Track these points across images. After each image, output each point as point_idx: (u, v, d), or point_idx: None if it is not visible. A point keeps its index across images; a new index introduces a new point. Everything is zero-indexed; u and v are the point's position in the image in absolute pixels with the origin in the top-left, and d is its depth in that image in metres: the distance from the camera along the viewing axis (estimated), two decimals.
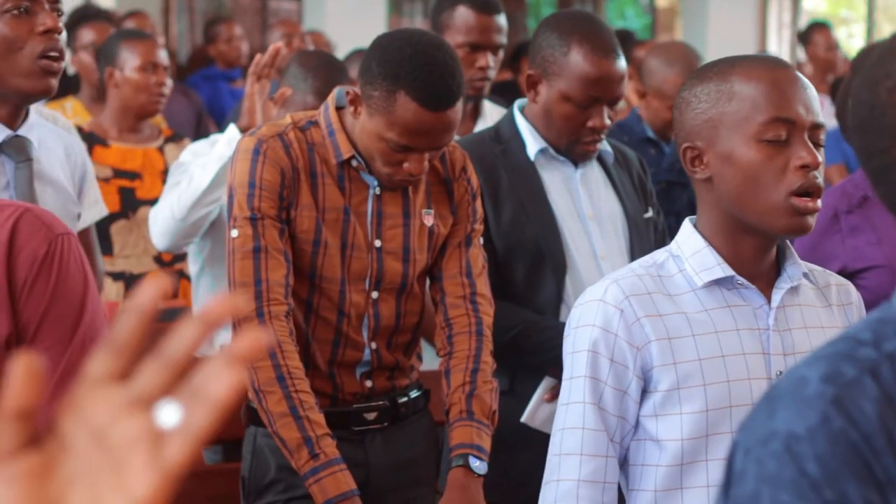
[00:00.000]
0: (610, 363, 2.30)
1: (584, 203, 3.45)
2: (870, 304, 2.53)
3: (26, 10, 2.85)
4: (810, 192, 2.25)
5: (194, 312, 0.93)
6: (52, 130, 3.12)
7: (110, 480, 0.91)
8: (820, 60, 9.31)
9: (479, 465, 2.92)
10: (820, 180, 2.26)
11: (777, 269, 2.38)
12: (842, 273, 3.31)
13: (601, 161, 3.53)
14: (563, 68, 3.35)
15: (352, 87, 2.97)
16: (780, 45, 12.64)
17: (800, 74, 2.31)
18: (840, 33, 13.30)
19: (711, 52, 11.17)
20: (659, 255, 2.41)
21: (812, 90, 2.31)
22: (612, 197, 3.51)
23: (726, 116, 2.28)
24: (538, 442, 3.29)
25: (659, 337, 2.29)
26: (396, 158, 2.89)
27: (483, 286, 3.12)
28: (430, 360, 3.50)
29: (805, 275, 2.38)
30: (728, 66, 2.33)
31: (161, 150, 5.01)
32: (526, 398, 3.31)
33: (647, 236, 3.52)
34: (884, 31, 13.02)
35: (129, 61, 4.92)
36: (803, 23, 11.65)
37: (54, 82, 2.90)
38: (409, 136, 2.85)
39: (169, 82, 5.06)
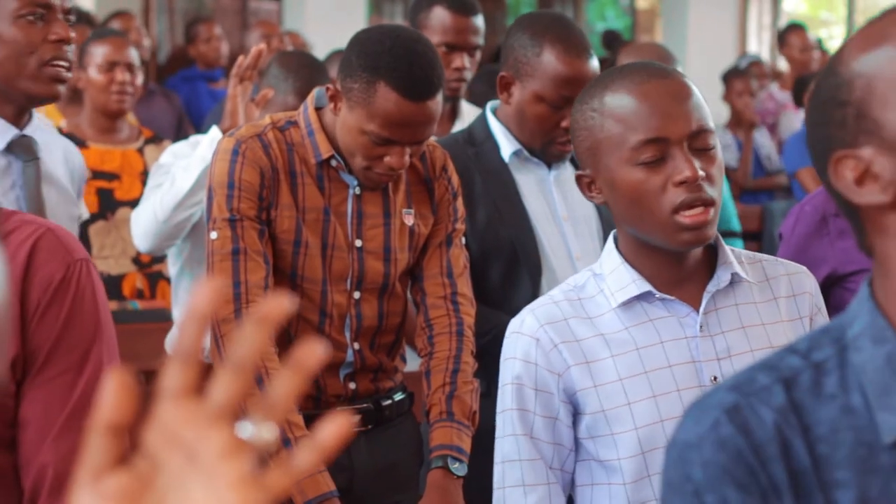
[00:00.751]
0: (535, 392, 2.28)
1: (558, 204, 3.45)
2: None
3: (41, 17, 2.90)
4: (696, 204, 2.19)
5: (250, 315, 0.95)
6: (51, 133, 3.14)
7: (204, 494, 0.92)
8: (796, 62, 9.35)
9: (458, 467, 2.92)
10: (707, 191, 2.19)
11: (711, 271, 2.32)
12: (831, 276, 3.30)
13: (574, 162, 3.53)
14: (536, 69, 3.35)
15: (330, 84, 2.97)
16: (759, 47, 12.67)
17: (677, 80, 2.24)
18: (820, 35, 13.34)
19: (692, 53, 11.23)
20: (581, 276, 2.38)
21: (692, 96, 2.23)
22: (585, 199, 3.51)
23: (602, 144, 2.24)
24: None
25: (577, 362, 2.26)
26: (377, 153, 2.88)
27: (464, 286, 3.12)
28: (412, 362, 3.50)
29: (734, 274, 2.30)
30: (601, 88, 2.26)
31: (140, 151, 5.01)
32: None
33: None
34: None
35: (93, 61, 4.92)
36: (783, 24, 11.68)
37: (61, 89, 2.94)
38: (390, 127, 2.84)
39: (139, 81, 5.04)
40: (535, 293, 3.33)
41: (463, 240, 3.18)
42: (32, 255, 1.97)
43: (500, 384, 2.35)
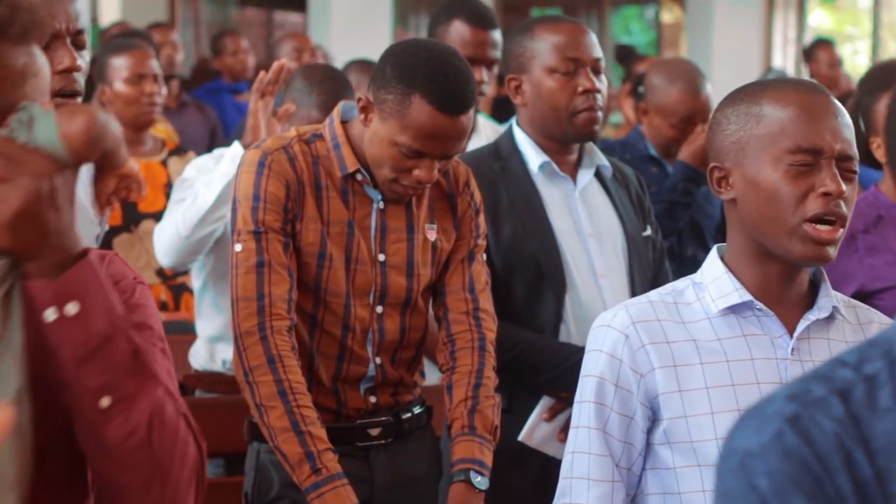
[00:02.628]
0: (615, 388, 2.29)
1: (583, 220, 3.44)
2: None
3: (46, 46, 2.74)
4: (829, 220, 2.22)
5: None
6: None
7: None
8: (823, 77, 9.32)
9: (480, 481, 2.92)
10: (843, 209, 2.23)
11: (811, 301, 2.34)
12: (859, 293, 3.29)
13: (599, 177, 3.53)
14: (537, 50, 3.42)
15: (363, 94, 2.97)
16: (784, 61, 12.64)
17: (835, 102, 2.28)
18: (845, 50, 13.31)
19: (716, 68, 11.20)
20: (681, 283, 2.40)
21: (845, 118, 2.27)
22: (611, 214, 3.50)
23: (754, 139, 2.27)
24: (534, 461, 3.29)
25: (664, 364, 2.26)
26: (407, 165, 2.88)
27: (486, 302, 3.12)
28: (430, 376, 3.49)
29: (836, 308, 2.33)
30: (761, 89, 2.31)
31: (164, 163, 5.01)
32: (524, 417, 3.30)
33: (645, 254, 3.51)
34: (889, 48, 13.01)
35: (117, 75, 4.92)
36: (808, 39, 11.66)
37: None
38: (423, 140, 2.85)
39: (164, 91, 5.05)
40: (559, 310, 3.33)
41: (485, 256, 3.18)
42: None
43: (581, 374, 2.36)
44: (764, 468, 1.32)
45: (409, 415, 3.15)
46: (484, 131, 4.42)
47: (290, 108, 3.87)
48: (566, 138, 3.44)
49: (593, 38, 3.49)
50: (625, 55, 10.87)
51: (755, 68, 11.66)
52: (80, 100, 2.89)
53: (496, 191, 3.40)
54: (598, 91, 3.40)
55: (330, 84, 4.00)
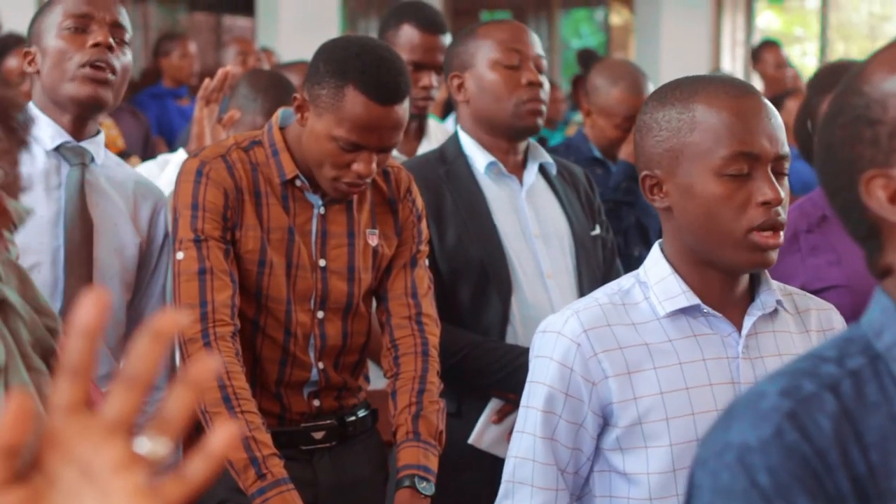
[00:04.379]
0: (565, 397, 2.24)
1: (530, 221, 3.44)
2: None
3: (83, 28, 3.02)
4: (772, 227, 2.19)
5: (143, 329, 0.95)
6: (124, 170, 3.20)
7: None
8: (769, 78, 9.37)
9: (426, 486, 2.92)
10: (782, 216, 2.19)
11: (751, 296, 2.32)
12: None
13: (546, 176, 3.54)
14: (480, 46, 3.44)
15: (298, 93, 2.98)
16: (733, 63, 12.70)
17: (766, 102, 2.24)
18: (794, 51, 13.38)
19: (665, 70, 11.24)
20: (626, 280, 2.35)
21: (777, 119, 2.24)
22: (558, 214, 3.51)
23: (687, 148, 2.21)
24: (485, 463, 3.30)
25: (617, 372, 2.22)
26: (345, 160, 2.89)
27: (429, 306, 3.12)
28: (375, 379, 3.50)
29: (779, 302, 2.31)
30: (691, 92, 2.24)
31: None
32: (473, 420, 3.31)
33: (594, 254, 3.52)
34: (837, 49, 13.10)
35: None
36: (757, 40, 11.71)
37: (100, 91, 3.01)
38: (359, 131, 2.86)
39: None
40: (505, 312, 3.33)
41: (427, 261, 3.19)
42: None
43: (529, 380, 2.31)
44: (765, 464, 1.31)
45: (353, 418, 3.16)
46: (435, 135, 4.41)
47: (235, 115, 3.86)
48: (509, 131, 3.44)
49: (535, 37, 3.51)
50: (586, 58, 10.91)
51: (703, 70, 11.71)
52: (111, 76, 3.01)
53: (441, 195, 3.40)
54: (541, 85, 3.41)
55: (275, 90, 4.00)
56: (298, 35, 10.28)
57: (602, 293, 2.33)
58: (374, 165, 2.90)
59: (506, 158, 3.47)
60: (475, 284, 3.36)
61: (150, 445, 0.94)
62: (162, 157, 4.10)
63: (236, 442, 0.94)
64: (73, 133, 3.06)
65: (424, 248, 3.17)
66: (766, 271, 2.33)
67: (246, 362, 2.97)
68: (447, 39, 4.27)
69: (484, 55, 3.43)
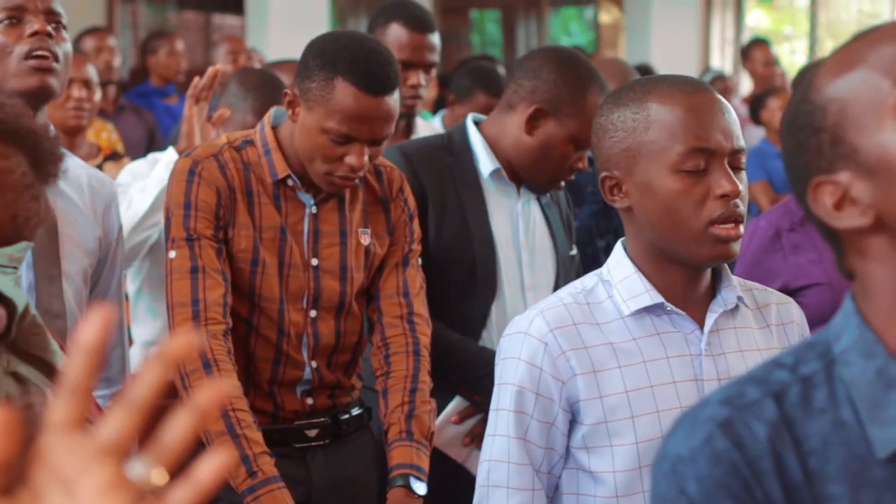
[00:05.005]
0: (536, 397, 2.25)
1: (521, 232, 3.45)
2: (811, 322, 2.52)
3: (18, 19, 2.94)
4: (731, 219, 2.20)
5: (154, 353, 0.93)
6: (77, 164, 3.14)
7: None
8: (758, 76, 9.39)
9: (419, 486, 2.92)
10: (741, 208, 2.21)
11: (713, 293, 2.33)
12: (783, 290, 3.33)
13: (537, 198, 3.54)
14: (580, 108, 3.32)
15: (288, 89, 2.98)
16: (722, 61, 12.71)
17: (719, 98, 2.26)
18: (783, 50, 13.40)
19: (655, 68, 11.24)
20: (589, 279, 2.36)
21: (731, 114, 2.24)
22: (544, 233, 3.51)
23: (643, 146, 2.23)
24: (449, 461, 3.30)
25: (584, 370, 2.23)
26: (337, 153, 2.89)
27: (420, 306, 3.13)
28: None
29: (740, 298, 2.32)
30: (644, 92, 2.26)
31: (99, 168, 4.99)
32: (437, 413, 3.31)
33: (571, 273, 3.53)
34: (826, 48, 13.11)
35: None
36: (746, 39, 11.73)
37: (48, 79, 2.94)
38: (350, 123, 2.86)
39: (97, 97, 5.02)
40: (484, 316, 3.34)
41: (419, 260, 3.19)
42: None
43: (497, 382, 2.32)
44: (693, 473, 1.33)
45: (346, 416, 3.16)
46: (423, 133, 4.41)
47: (224, 114, 3.86)
48: (528, 184, 3.44)
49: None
50: None
51: (693, 68, 11.73)
52: (55, 64, 2.95)
53: (445, 185, 3.40)
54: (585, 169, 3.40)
55: (265, 89, 3.99)
56: (288, 33, 10.27)
57: (566, 293, 2.34)
58: (366, 158, 2.90)
59: (508, 166, 3.46)
60: (462, 282, 3.36)
61: (143, 472, 0.93)
62: (151, 156, 4.09)
63: (229, 471, 0.92)
64: None
65: (416, 247, 3.18)
66: (727, 268, 2.35)
67: (239, 361, 2.97)
68: (436, 38, 4.27)
69: (574, 123, 3.32)
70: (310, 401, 3.09)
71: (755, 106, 8.18)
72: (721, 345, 2.30)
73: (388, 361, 3.07)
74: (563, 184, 3.43)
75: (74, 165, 3.10)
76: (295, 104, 2.94)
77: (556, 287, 3.45)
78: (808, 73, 1.49)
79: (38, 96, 2.96)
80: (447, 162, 3.43)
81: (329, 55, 2.89)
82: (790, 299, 2.47)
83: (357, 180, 2.97)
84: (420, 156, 3.37)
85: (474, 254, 3.36)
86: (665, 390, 2.25)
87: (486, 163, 3.43)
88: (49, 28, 2.94)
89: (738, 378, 1.41)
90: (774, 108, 7.65)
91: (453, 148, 3.47)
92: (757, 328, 2.36)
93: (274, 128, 3.05)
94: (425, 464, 2.97)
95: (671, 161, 2.20)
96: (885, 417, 1.34)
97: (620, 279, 2.30)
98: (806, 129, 1.42)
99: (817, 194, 1.41)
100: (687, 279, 2.29)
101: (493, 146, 3.43)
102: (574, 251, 3.60)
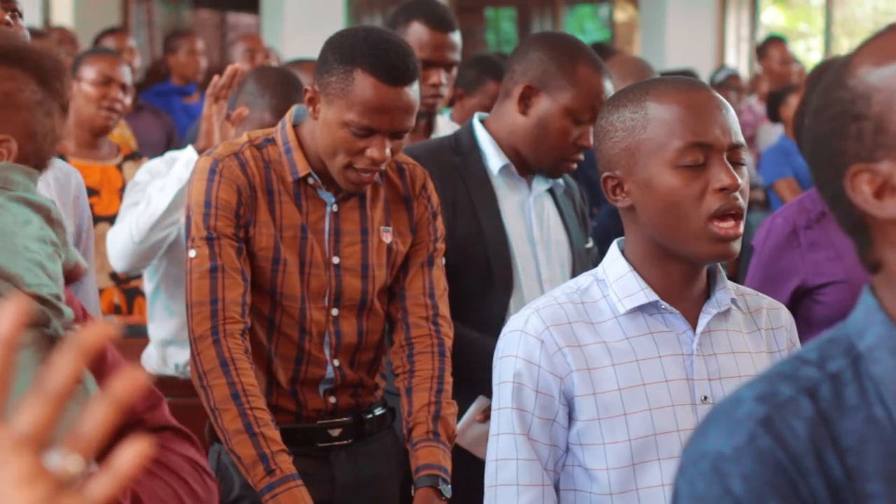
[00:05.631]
0: (535, 394, 2.27)
1: (534, 226, 3.45)
2: (829, 320, 2.52)
3: None
4: (731, 213, 2.22)
5: (68, 344, 0.93)
6: None
7: None
8: (775, 74, 9.35)
9: (447, 489, 2.92)
10: (741, 202, 2.23)
11: (707, 294, 2.35)
12: (801, 288, 3.32)
13: (551, 191, 3.54)
14: (572, 81, 3.33)
15: (308, 86, 2.97)
16: (738, 59, 12.69)
17: (717, 94, 2.28)
18: (798, 47, 13.37)
19: (670, 66, 11.23)
20: (584, 279, 2.38)
21: (729, 110, 2.27)
22: (559, 226, 3.51)
23: (643, 144, 2.25)
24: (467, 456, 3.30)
25: (579, 367, 2.26)
26: (359, 146, 2.88)
27: (444, 308, 3.13)
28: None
29: (734, 300, 2.34)
30: (642, 92, 2.29)
31: (120, 167, 5.00)
32: (459, 416, 3.30)
33: (587, 266, 3.52)
34: (841, 45, 13.08)
35: (87, 75, 4.94)
36: (761, 36, 11.70)
37: None
38: (371, 114, 2.85)
39: (128, 101, 5.05)
40: (502, 312, 3.33)
41: (443, 260, 3.18)
42: None
43: (496, 381, 2.34)
44: (738, 471, 1.31)
45: (370, 416, 3.15)
46: (443, 132, 4.40)
47: (243, 112, 3.86)
48: (537, 169, 3.44)
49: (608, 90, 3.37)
50: (599, 52, 10.88)
51: (708, 66, 11.71)
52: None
53: (455, 184, 3.40)
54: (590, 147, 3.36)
55: (282, 87, 3.99)
56: (303, 32, 10.28)
57: (560, 292, 2.36)
58: (387, 151, 2.89)
59: (518, 161, 3.46)
60: (479, 280, 3.36)
61: (61, 461, 0.92)
62: (169, 155, 4.09)
63: (145, 461, 0.92)
64: None
65: (441, 245, 3.17)
66: (722, 269, 2.37)
67: (261, 360, 2.98)
68: (457, 37, 4.25)
69: (567, 95, 3.33)
70: (333, 400, 3.08)
71: (775, 102, 8.16)
72: (712, 345, 2.32)
73: (412, 361, 3.07)
74: (574, 166, 3.41)
75: None
76: (315, 101, 2.94)
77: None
78: (827, 68, 1.49)
79: None
80: (455, 162, 3.44)
81: (348, 49, 2.89)
82: (781, 305, 2.49)
83: (377, 175, 2.98)
84: (427, 158, 3.37)
85: (488, 251, 3.36)
86: (657, 388, 2.27)
87: (494, 160, 3.44)
88: (6, 17, 2.87)
89: (763, 374, 1.40)
90: (795, 105, 7.63)
91: (461, 148, 3.47)
92: (747, 332, 2.39)
93: (295, 126, 3.04)
94: (450, 466, 2.97)
95: (670, 157, 2.23)
96: None
97: (616, 278, 2.33)
98: (844, 115, 1.41)
99: (856, 182, 1.40)
100: (684, 278, 2.31)
101: (500, 141, 3.44)
102: (590, 244, 3.60)
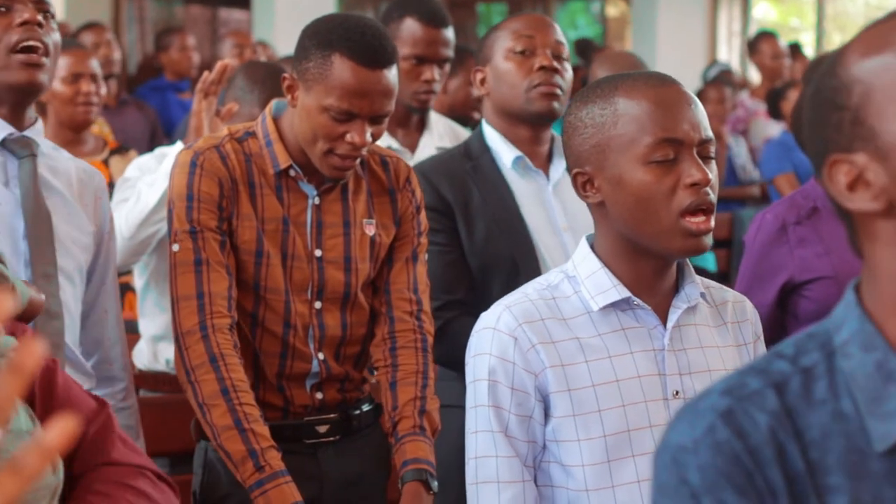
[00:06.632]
0: (511, 391, 2.27)
1: (557, 214, 3.45)
2: (816, 315, 2.53)
3: (7, 8, 2.90)
4: (702, 208, 2.22)
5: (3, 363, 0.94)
6: (63, 157, 3.11)
7: None
8: (766, 69, 9.36)
9: (434, 483, 2.92)
10: (712, 197, 2.23)
11: (676, 289, 2.36)
12: (789, 284, 3.33)
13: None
14: (498, 37, 3.50)
15: (287, 74, 2.98)
16: (729, 54, 12.70)
17: (686, 91, 2.29)
18: (790, 42, 13.38)
19: (662, 61, 11.26)
20: (554, 276, 2.39)
21: (698, 105, 2.27)
22: (584, 208, 3.52)
23: (613, 140, 2.25)
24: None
25: (553, 364, 2.26)
26: (339, 131, 2.88)
27: (427, 303, 3.13)
28: None
29: (702, 294, 2.35)
30: (611, 88, 2.29)
31: (106, 162, 5.00)
32: None
33: None
34: (833, 40, 13.10)
35: (56, 74, 4.91)
36: (753, 31, 11.71)
37: (37, 75, 2.91)
38: (350, 98, 2.85)
39: (103, 91, 5.03)
40: None
41: (426, 256, 3.19)
42: None
43: (470, 379, 2.33)
44: (695, 463, 1.34)
45: (357, 412, 3.15)
46: (436, 128, 4.41)
47: (233, 108, 3.86)
48: (525, 117, 3.47)
49: (555, 26, 3.54)
50: (584, 48, 10.90)
51: (700, 61, 11.72)
52: (45, 59, 2.92)
53: (468, 190, 3.41)
54: (556, 70, 3.43)
55: (271, 82, 3.99)
56: (294, 27, 10.19)
57: (531, 288, 2.37)
58: (367, 136, 2.89)
59: (531, 151, 3.49)
60: (507, 279, 3.35)
61: None
62: (159, 151, 4.09)
63: (71, 437, 0.93)
64: (14, 123, 2.96)
65: (424, 240, 3.17)
66: (690, 264, 2.38)
67: (247, 356, 2.97)
68: (450, 33, 4.26)
69: (500, 46, 3.48)
70: (319, 395, 3.07)
71: (775, 98, 8.17)
72: (682, 340, 2.33)
73: (395, 355, 3.06)
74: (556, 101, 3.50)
75: (63, 159, 3.09)
76: (294, 88, 2.94)
77: None
78: (821, 64, 1.49)
79: (27, 91, 2.94)
80: (465, 168, 3.46)
81: (325, 34, 2.90)
82: (745, 298, 2.51)
83: (359, 166, 2.98)
84: (436, 170, 3.41)
85: (510, 247, 3.37)
86: (630, 384, 2.27)
87: (506, 154, 3.47)
88: (39, 17, 2.91)
89: (739, 369, 1.42)
90: (794, 100, 7.63)
91: (471, 153, 3.51)
92: (714, 326, 2.40)
93: (275, 119, 3.04)
94: (434, 461, 2.97)
95: (640, 153, 2.23)
96: (884, 411, 1.35)
97: (587, 275, 2.33)
98: (829, 104, 1.42)
99: (832, 172, 1.41)
100: (654, 273, 2.32)
101: (506, 133, 3.49)
102: None
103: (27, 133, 2.97)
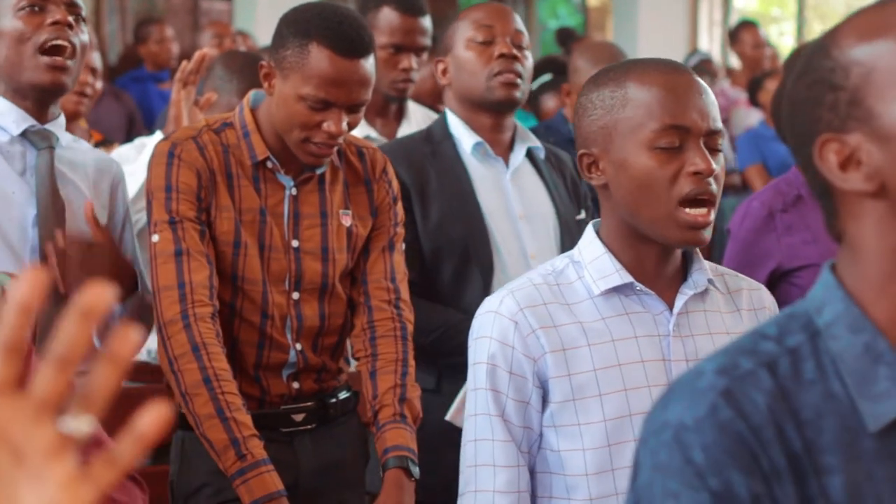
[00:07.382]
0: (509, 375, 2.28)
1: (514, 202, 3.47)
2: None
3: (40, 8, 2.96)
4: (703, 199, 2.22)
5: (71, 308, 0.94)
6: (84, 150, 3.15)
7: (34, 496, 0.92)
8: (748, 58, 9.38)
9: (416, 470, 2.93)
10: (714, 188, 2.23)
11: (684, 275, 2.35)
12: (777, 272, 3.33)
13: (532, 160, 3.56)
14: (458, 28, 3.53)
15: (264, 62, 2.98)
16: (710, 44, 12.71)
17: (698, 79, 2.28)
18: (771, 31, 13.39)
19: (642, 51, 11.25)
20: (559, 261, 2.38)
21: (709, 96, 2.26)
22: (544, 197, 3.53)
23: (620, 123, 2.25)
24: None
25: (553, 349, 2.26)
26: (315, 120, 2.89)
27: (405, 292, 3.13)
28: None
29: (710, 281, 2.34)
30: (623, 72, 2.29)
31: None
32: (452, 396, 3.31)
33: (578, 237, 3.54)
34: (814, 29, 13.11)
35: None
36: (734, 21, 11.72)
37: (61, 77, 2.96)
38: (326, 87, 2.86)
39: (93, 82, 5.02)
40: (486, 292, 3.34)
41: (403, 245, 3.19)
42: None
43: (470, 362, 2.34)
44: (700, 442, 1.33)
45: (334, 400, 3.15)
46: (414, 116, 4.42)
47: (212, 97, 3.86)
48: (486, 104, 3.49)
49: (514, 14, 3.57)
50: (565, 37, 10.90)
51: (681, 51, 11.72)
52: (70, 62, 2.97)
53: (424, 173, 3.43)
54: (516, 57, 3.44)
55: (249, 71, 3.98)
56: (275, 17, 10.21)
57: (536, 274, 2.36)
58: (344, 125, 2.89)
59: (493, 138, 3.50)
60: (457, 263, 3.37)
61: (73, 424, 0.94)
62: (139, 141, 4.09)
63: (166, 423, 0.93)
64: (37, 116, 3.02)
65: (401, 230, 3.17)
66: (699, 251, 2.37)
67: (225, 346, 2.97)
68: (427, 22, 4.28)
69: (461, 36, 3.50)
70: (296, 385, 3.08)
71: (753, 89, 8.18)
72: (689, 326, 2.33)
73: (375, 344, 3.07)
74: (516, 88, 3.51)
75: (82, 151, 3.13)
76: (271, 76, 2.95)
77: (563, 251, 3.47)
78: (805, 51, 1.50)
79: (52, 92, 2.99)
80: (424, 152, 3.48)
81: (302, 23, 2.91)
82: (761, 286, 2.50)
83: (336, 156, 2.98)
84: (396, 153, 3.41)
85: (463, 232, 3.37)
86: (633, 369, 2.27)
87: (466, 140, 3.49)
88: (70, 19, 2.97)
89: (725, 348, 1.42)
90: (772, 90, 7.64)
91: (433, 138, 3.53)
92: (726, 312, 2.39)
93: (253, 110, 3.04)
94: (416, 448, 2.97)
95: (646, 137, 2.23)
96: (874, 392, 1.35)
97: (591, 259, 2.33)
98: (822, 84, 1.43)
99: (823, 151, 1.42)
100: (658, 259, 2.31)
101: (468, 121, 3.52)
102: (583, 215, 3.62)
103: (48, 126, 3.03)
